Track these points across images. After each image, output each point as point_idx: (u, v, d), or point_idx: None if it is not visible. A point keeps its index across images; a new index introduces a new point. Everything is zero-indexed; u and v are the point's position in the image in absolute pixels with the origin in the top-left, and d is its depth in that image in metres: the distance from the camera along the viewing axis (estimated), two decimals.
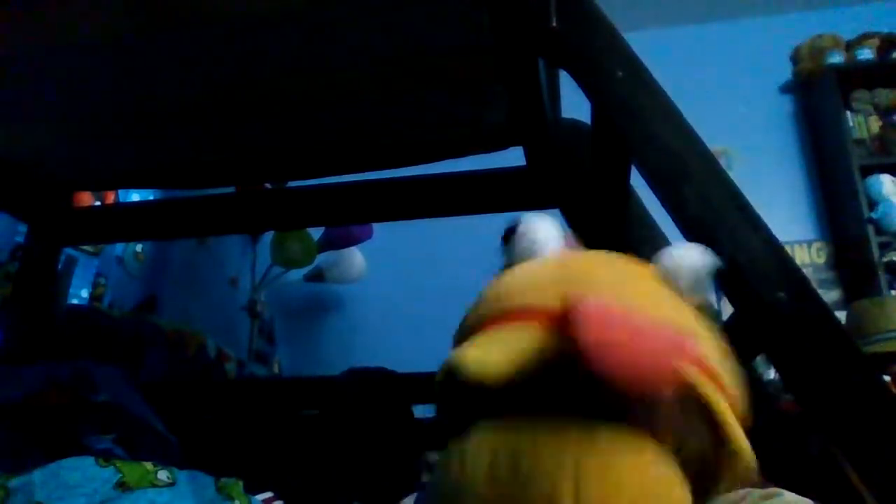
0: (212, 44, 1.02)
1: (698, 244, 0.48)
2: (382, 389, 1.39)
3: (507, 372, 0.39)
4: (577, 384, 0.39)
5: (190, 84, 1.13)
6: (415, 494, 0.88)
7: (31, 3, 0.90)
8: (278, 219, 1.69)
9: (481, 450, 0.39)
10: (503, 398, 0.40)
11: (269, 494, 0.98)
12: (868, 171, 2.71)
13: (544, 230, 0.51)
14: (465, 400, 0.43)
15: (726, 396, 0.44)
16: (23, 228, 1.61)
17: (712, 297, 0.48)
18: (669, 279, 0.47)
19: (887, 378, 1.72)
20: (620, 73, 0.86)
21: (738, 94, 3.05)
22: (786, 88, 3.15)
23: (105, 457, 0.81)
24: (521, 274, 0.49)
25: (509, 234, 0.51)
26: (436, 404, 0.51)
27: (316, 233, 2.83)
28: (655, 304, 0.46)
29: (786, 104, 3.13)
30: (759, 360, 1.01)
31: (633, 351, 0.37)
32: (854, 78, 2.90)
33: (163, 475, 0.81)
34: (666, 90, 0.85)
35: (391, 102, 1.18)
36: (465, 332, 0.47)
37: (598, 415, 0.39)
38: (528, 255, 0.50)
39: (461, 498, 0.39)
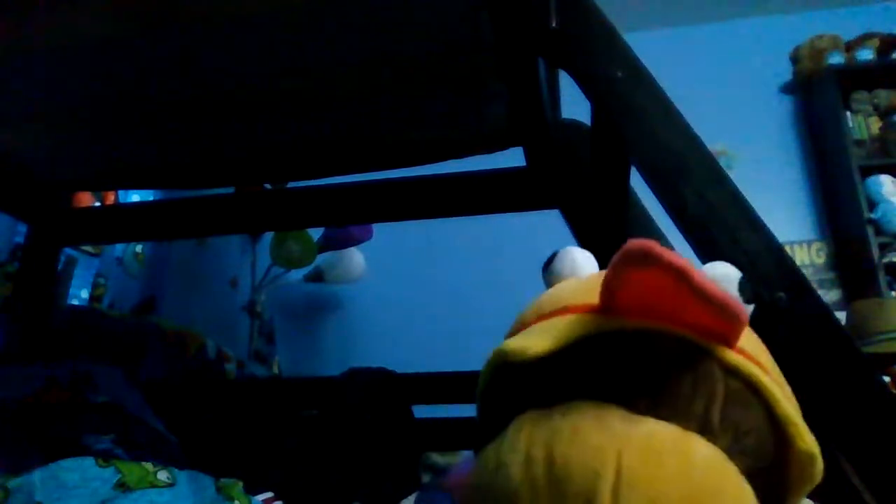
0: (211, 43, 1.02)
1: (725, 263, 0.47)
2: (382, 389, 1.39)
3: (548, 348, 0.39)
4: (619, 368, 0.39)
5: (189, 84, 1.13)
6: (415, 494, 0.88)
7: (30, 3, 0.90)
8: (278, 219, 1.69)
9: (516, 443, 0.38)
10: (545, 389, 0.40)
11: (269, 494, 0.98)
12: (868, 171, 2.72)
13: (582, 255, 0.54)
14: (508, 395, 0.43)
15: (786, 396, 0.42)
16: (23, 228, 1.61)
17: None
18: None
19: (887, 378, 1.72)
20: (620, 73, 0.86)
21: (737, 95, 3.05)
22: (786, 89, 3.15)
23: (105, 457, 0.81)
24: (560, 287, 0.51)
25: (550, 261, 0.55)
26: (477, 405, 0.50)
27: (316, 233, 2.84)
28: None
29: (786, 104, 3.14)
30: None
31: (675, 308, 0.37)
32: (854, 78, 2.90)
33: (163, 475, 0.81)
34: (666, 90, 0.85)
35: (390, 103, 1.18)
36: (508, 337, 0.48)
37: (641, 409, 0.37)
38: (568, 274, 0.53)
39: (496, 491, 0.38)
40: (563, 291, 0.49)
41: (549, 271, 0.54)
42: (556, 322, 0.43)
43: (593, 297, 0.42)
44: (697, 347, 0.39)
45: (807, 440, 0.40)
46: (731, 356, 0.40)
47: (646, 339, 0.39)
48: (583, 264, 0.53)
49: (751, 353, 0.42)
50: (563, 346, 0.39)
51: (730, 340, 0.40)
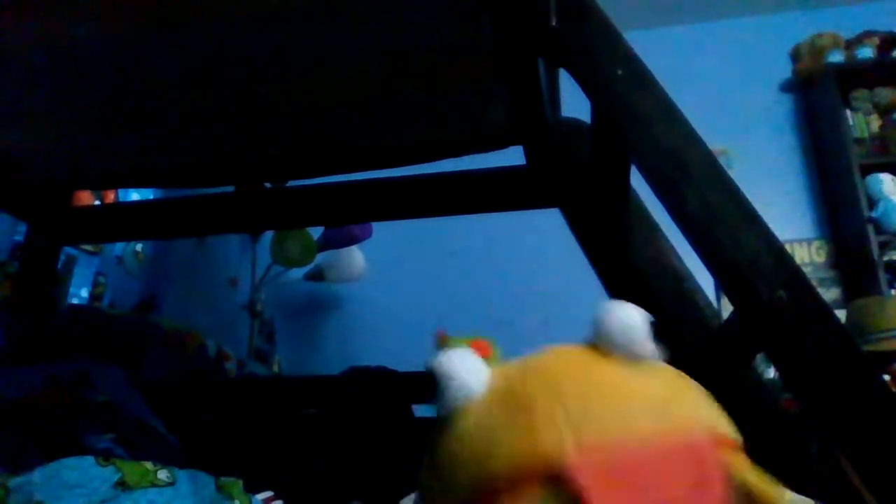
0: (210, 43, 1.01)
1: (629, 306, 0.48)
2: (382, 389, 1.39)
3: None
4: None
5: (188, 83, 1.13)
6: (415, 495, 0.88)
7: (30, 3, 0.90)
8: (278, 218, 1.69)
9: None
10: None
11: (269, 494, 0.98)
12: (868, 169, 2.72)
13: (465, 366, 0.49)
14: None
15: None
16: (23, 228, 1.61)
17: (650, 350, 0.47)
18: (604, 342, 0.47)
19: (887, 377, 1.72)
20: (620, 73, 0.86)
21: (737, 93, 3.05)
22: (786, 87, 3.15)
23: (105, 456, 0.81)
24: (481, 427, 0.46)
25: (434, 378, 0.50)
26: None
27: (316, 232, 2.84)
28: (636, 388, 0.46)
29: (786, 103, 3.13)
30: (760, 358, 1.01)
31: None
32: (854, 77, 2.90)
33: (163, 475, 0.81)
34: (666, 89, 0.85)
35: (390, 102, 1.18)
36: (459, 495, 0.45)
37: None
38: (464, 397, 0.48)
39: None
40: (495, 439, 0.44)
41: (442, 398, 0.49)
42: None
43: (536, 446, 0.42)
44: None
45: None
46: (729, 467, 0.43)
47: None
48: (476, 378, 0.49)
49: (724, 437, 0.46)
50: None
51: None
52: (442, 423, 0.48)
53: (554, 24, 0.90)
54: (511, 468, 0.42)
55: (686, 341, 0.93)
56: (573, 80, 0.92)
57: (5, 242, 1.70)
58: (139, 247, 2.24)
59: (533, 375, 0.47)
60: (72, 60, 1.05)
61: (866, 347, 1.83)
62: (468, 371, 0.49)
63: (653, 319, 0.47)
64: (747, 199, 0.76)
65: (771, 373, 1.80)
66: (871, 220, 2.63)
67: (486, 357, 0.50)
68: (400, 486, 1.12)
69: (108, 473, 0.77)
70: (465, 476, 0.45)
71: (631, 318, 0.47)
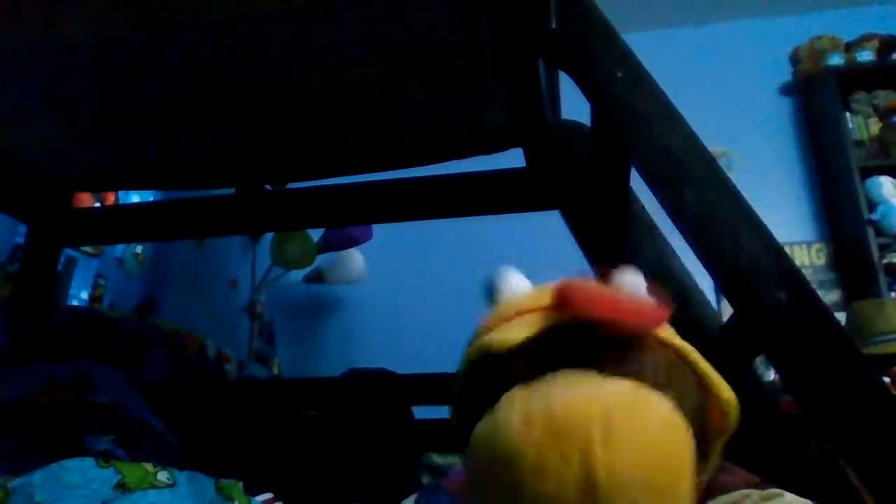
0: (210, 44, 1.02)
1: (631, 270, 0.53)
2: (382, 390, 1.40)
3: (527, 336, 0.47)
4: (585, 347, 0.46)
5: (188, 84, 1.13)
6: (415, 495, 0.88)
7: (29, 3, 0.90)
8: (278, 220, 1.69)
9: (512, 408, 0.43)
10: (525, 371, 0.46)
11: (269, 495, 0.98)
12: (868, 172, 2.72)
13: (516, 277, 0.59)
14: (488, 386, 0.48)
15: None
16: (23, 229, 1.61)
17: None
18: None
19: (887, 379, 1.72)
20: (620, 74, 0.86)
21: (737, 96, 3.05)
22: (785, 90, 3.15)
23: (105, 458, 0.81)
24: (511, 299, 0.56)
25: (492, 284, 0.59)
26: (454, 403, 0.55)
27: (316, 234, 2.84)
28: None
29: (785, 106, 3.14)
30: (759, 360, 1.01)
31: (613, 304, 0.47)
32: (853, 79, 2.90)
33: (163, 476, 0.81)
34: (666, 91, 0.85)
35: (390, 104, 1.18)
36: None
37: (609, 374, 0.44)
38: (510, 292, 0.57)
39: (497, 452, 0.42)
40: (516, 301, 0.55)
41: (494, 292, 0.58)
42: (522, 320, 0.50)
43: (544, 302, 0.50)
44: (635, 329, 0.48)
45: (725, 389, 0.50)
46: (661, 333, 0.50)
47: (597, 326, 0.47)
48: (520, 284, 0.58)
49: (671, 333, 0.52)
50: (538, 335, 0.47)
51: (652, 327, 0.50)
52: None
53: (554, 25, 0.91)
54: (521, 310, 0.52)
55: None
56: (573, 82, 0.92)
57: (5, 243, 1.69)
58: (139, 249, 2.24)
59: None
60: (72, 61, 1.05)
61: (866, 350, 1.83)
62: (521, 283, 0.57)
63: None
64: (747, 201, 0.76)
65: (771, 374, 1.80)
66: (870, 222, 2.63)
67: None
68: (400, 487, 1.12)
69: (109, 475, 0.77)
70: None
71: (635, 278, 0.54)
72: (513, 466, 0.41)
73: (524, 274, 0.59)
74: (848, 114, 2.87)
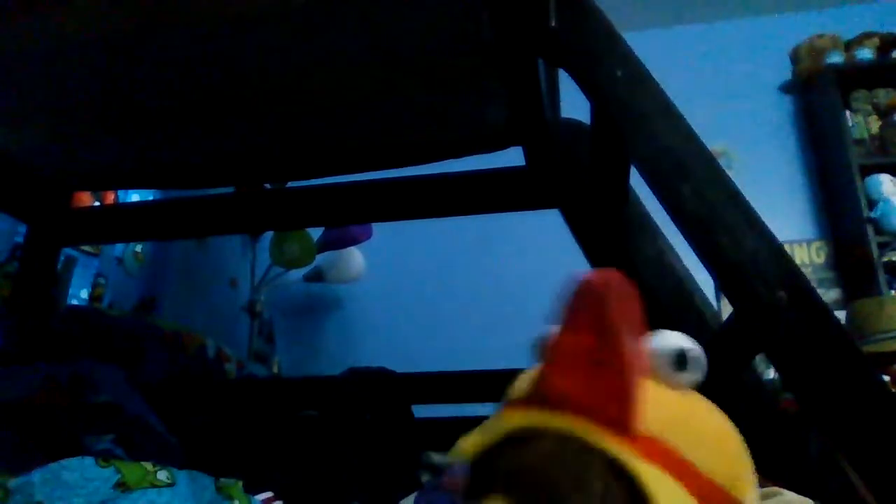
0: (210, 43, 1.02)
1: (676, 334, 0.46)
2: (382, 389, 1.40)
3: (471, 451, 0.43)
4: (514, 467, 0.41)
5: (188, 84, 1.13)
6: (414, 494, 0.88)
7: (29, 3, 0.90)
8: (278, 219, 1.69)
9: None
10: (467, 488, 0.43)
11: (269, 494, 0.98)
12: (867, 170, 2.72)
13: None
14: None
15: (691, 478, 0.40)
16: (23, 228, 1.61)
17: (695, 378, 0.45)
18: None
19: (887, 378, 1.72)
20: (620, 73, 0.86)
21: (737, 94, 3.05)
22: (785, 88, 3.15)
23: (105, 457, 0.81)
24: (523, 376, 0.49)
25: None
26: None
27: (315, 233, 2.83)
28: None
29: (785, 104, 3.13)
30: (759, 359, 1.01)
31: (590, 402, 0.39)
32: (853, 78, 2.90)
33: (162, 475, 0.81)
34: (666, 90, 0.85)
35: (390, 102, 1.18)
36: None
37: None
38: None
39: None
40: (520, 380, 0.48)
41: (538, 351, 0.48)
42: (500, 415, 0.46)
43: (529, 389, 0.45)
44: (584, 446, 0.39)
45: None
46: (618, 452, 0.39)
47: (542, 437, 0.41)
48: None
49: (658, 437, 0.41)
50: (490, 445, 0.42)
51: (620, 426, 0.39)
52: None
53: (553, 24, 0.90)
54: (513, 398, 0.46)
55: None
56: (573, 81, 0.92)
57: (5, 243, 1.69)
58: (139, 248, 2.24)
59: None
60: (72, 61, 1.05)
61: (866, 348, 1.83)
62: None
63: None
64: (747, 200, 0.76)
65: (771, 373, 1.80)
66: (870, 220, 2.63)
67: None
68: (400, 486, 1.12)
69: (108, 474, 0.77)
70: None
71: (667, 343, 0.45)
72: None
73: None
74: (848, 112, 2.87)
